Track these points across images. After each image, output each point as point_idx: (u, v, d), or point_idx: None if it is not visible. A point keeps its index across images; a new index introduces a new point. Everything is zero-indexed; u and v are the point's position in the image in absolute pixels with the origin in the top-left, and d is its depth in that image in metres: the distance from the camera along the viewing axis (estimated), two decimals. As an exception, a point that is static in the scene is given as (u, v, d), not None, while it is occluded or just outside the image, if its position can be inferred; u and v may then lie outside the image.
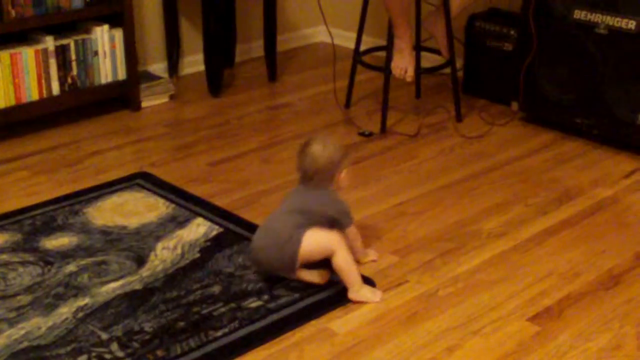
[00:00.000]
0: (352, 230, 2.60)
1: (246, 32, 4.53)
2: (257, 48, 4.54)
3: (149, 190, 3.16)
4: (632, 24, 3.34)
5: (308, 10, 4.58)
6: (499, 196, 3.16)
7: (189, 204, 3.06)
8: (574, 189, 3.22)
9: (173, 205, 3.04)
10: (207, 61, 4.11)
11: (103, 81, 3.79)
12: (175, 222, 2.92)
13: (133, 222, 2.92)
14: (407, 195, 3.16)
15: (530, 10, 3.59)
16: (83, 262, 2.66)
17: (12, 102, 3.54)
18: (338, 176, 2.56)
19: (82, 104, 3.78)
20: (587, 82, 3.52)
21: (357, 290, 2.50)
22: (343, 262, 2.48)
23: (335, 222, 2.55)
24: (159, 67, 4.27)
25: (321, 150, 2.51)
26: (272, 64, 4.32)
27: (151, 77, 4.06)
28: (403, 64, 3.65)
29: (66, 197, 3.09)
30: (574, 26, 3.50)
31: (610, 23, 3.39)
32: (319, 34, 4.84)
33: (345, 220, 2.58)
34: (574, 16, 3.49)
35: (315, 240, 2.48)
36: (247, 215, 2.99)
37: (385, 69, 3.67)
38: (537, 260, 2.73)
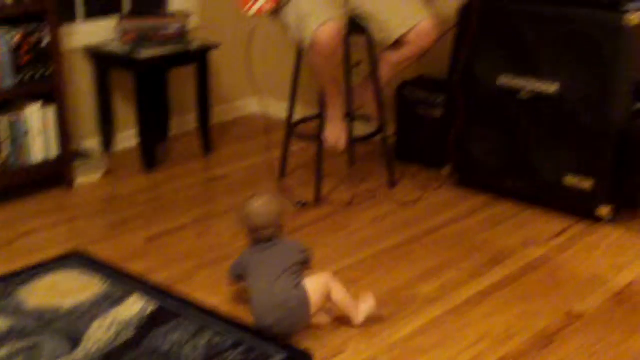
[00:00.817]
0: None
1: (180, 105, 4.56)
2: (191, 121, 4.56)
3: (83, 268, 3.13)
4: (552, 88, 3.45)
5: (243, 82, 4.63)
6: (432, 261, 3.21)
7: (125, 280, 3.04)
8: (506, 251, 3.28)
9: (108, 283, 3.02)
10: (141, 135, 4.12)
11: (35, 160, 3.77)
12: (110, 301, 2.90)
13: (67, 302, 2.88)
14: (341, 264, 3.18)
15: (456, 77, 3.70)
16: (16, 346, 2.62)
17: (-57, 184, 3.51)
18: (280, 219, 2.79)
19: (14, 184, 3.75)
20: (514, 146, 3.62)
21: (358, 314, 2.71)
22: (341, 294, 2.71)
23: (305, 262, 2.77)
24: (92, 143, 4.27)
25: (267, 205, 2.77)
26: (207, 136, 4.35)
27: (84, 154, 4.05)
28: (335, 133, 3.71)
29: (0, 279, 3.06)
30: (498, 92, 3.61)
31: (532, 88, 3.50)
32: (255, 105, 4.88)
33: (310, 256, 2.80)
34: (498, 82, 3.60)
35: (317, 290, 2.66)
36: (184, 289, 2.98)
37: (318, 139, 3.73)
38: (472, 323, 2.77)
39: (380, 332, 2.71)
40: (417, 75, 4.18)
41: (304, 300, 2.62)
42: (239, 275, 2.80)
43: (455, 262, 3.19)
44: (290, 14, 3.49)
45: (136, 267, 3.15)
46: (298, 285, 2.63)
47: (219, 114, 4.74)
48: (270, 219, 2.74)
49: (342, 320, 2.76)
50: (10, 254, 3.28)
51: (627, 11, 3.27)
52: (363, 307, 2.73)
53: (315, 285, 2.66)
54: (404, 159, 4.18)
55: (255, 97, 4.80)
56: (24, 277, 3.06)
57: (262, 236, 2.74)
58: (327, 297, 2.69)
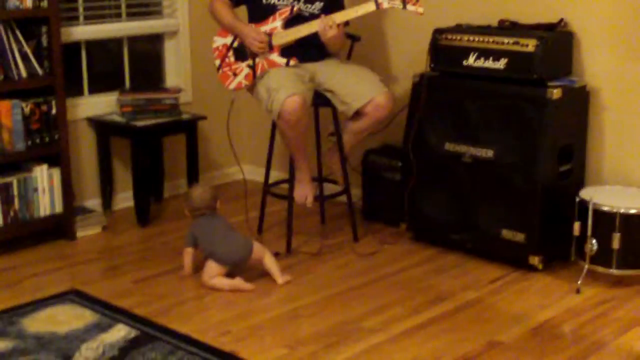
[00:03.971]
0: None
1: (174, 170, 5.11)
2: (183, 185, 5.09)
3: (78, 303, 3.64)
4: (490, 153, 3.98)
5: (230, 151, 5.17)
6: (381, 300, 3.69)
7: (113, 313, 3.54)
8: (446, 293, 3.77)
9: (98, 315, 3.52)
10: (136, 195, 4.67)
11: (42, 214, 4.31)
12: (99, 328, 3.40)
13: (62, 329, 3.38)
14: (301, 302, 3.68)
15: (409, 143, 4.23)
16: (18, 360, 3.13)
17: (-40, 233, 4.04)
18: (217, 203, 3.96)
19: (23, 234, 4.28)
20: (460, 203, 4.13)
21: (279, 275, 3.87)
22: (270, 260, 3.90)
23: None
24: (94, 202, 4.81)
25: (204, 190, 3.97)
26: (196, 197, 4.88)
27: (86, 211, 4.59)
28: (303, 192, 4.23)
29: (4, 312, 3.56)
30: (445, 156, 4.14)
31: (473, 152, 4.04)
32: (243, 172, 5.41)
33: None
34: (445, 147, 4.14)
35: (258, 247, 3.90)
36: (162, 321, 3.48)
37: (288, 197, 4.26)
38: (405, 348, 3.25)
39: (325, 355, 3.19)
40: (382, 143, 4.72)
41: (251, 246, 3.86)
42: (193, 242, 3.90)
43: (400, 302, 3.68)
44: (262, 88, 4.06)
45: (123, 303, 3.66)
46: (247, 240, 3.89)
47: (210, 179, 5.25)
48: (206, 200, 3.90)
49: (292, 346, 3.25)
50: (16, 292, 3.80)
51: (550, 87, 3.82)
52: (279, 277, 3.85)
53: (257, 245, 3.89)
54: (370, 218, 4.69)
55: (243, 165, 5.35)
56: (26, 310, 3.58)
57: (200, 213, 3.90)
58: (261, 258, 3.87)
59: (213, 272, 3.82)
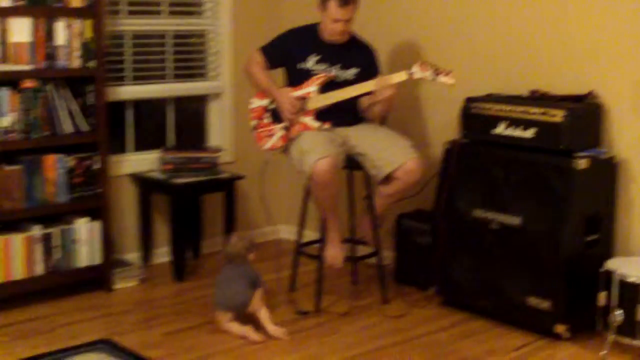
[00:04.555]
0: (261, 291, 4.11)
1: (212, 227, 5.23)
2: (220, 242, 5.20)
3: (108, 353, 3.76)
4: (516, 220, 4.03)
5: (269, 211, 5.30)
6: (404, 363, 3.75)
7: (140, 363, 3.66)
8: (470, 358, 3.80)
9: (126, 364, 3.64)
10: (173, 251, 4.80)
11: (81, 265, 4.46)
12: (126, 376, 3.51)
13: (91, 375, 3.51)
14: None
15: (439, 209, 4.31)
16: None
17: (2, 279, 4.19)
18: (249, 255, 4.15)
19: (62, 283, 4.43)
20: (487, 270, 4.17)
21: (270, 329, 4.00)
22: (265, 315, 4.05)
23: (256, 283, 4.10)
24: (133, 255, 4.95)
25: (237, 241, 4.17)
26: (232, 255, 5.00)
27: (124, 263, 4.73)
28: (334, 253, 4.32)
29: (34, 358, 3.68)
30: (474, 223, 4.20)
31: (501, 220, 4.09)
32: (278, 232, 5.53)
33: (261, 282, 4.13)
34: (474, 214, 4.20)
35: (256, 300, 4.06)
36: (187, 372, 3.58)
37: (319, 257, 4.35)
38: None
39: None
40: (415, 208, 4.79)
41: (248, 299, 4.03)
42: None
43: (422, 365, 3.73)
44: (295, 150, 4.20)
45: (152, 354, 3.77)
46: (247, 291, 4.05)
47: (247, 237, 5.39)
48: (237, 248, 4.14)
49: None
50: (51, 339, 3.93)
51: (577, 157, 3.88)
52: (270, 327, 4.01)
53: (256, 299, 4.05)
54: (402, 281, 4.75)
55: (281, 225, 5.48)
56: (57, 357, 3.71)
57: (230, 260, 4.15)
58: (258, 310, 4.04)
59: (219, 316, 4.05)
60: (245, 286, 4.07)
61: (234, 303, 4.04)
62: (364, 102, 4.34)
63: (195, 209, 5.09)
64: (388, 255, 4.73)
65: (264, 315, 4.06)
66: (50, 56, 4.27)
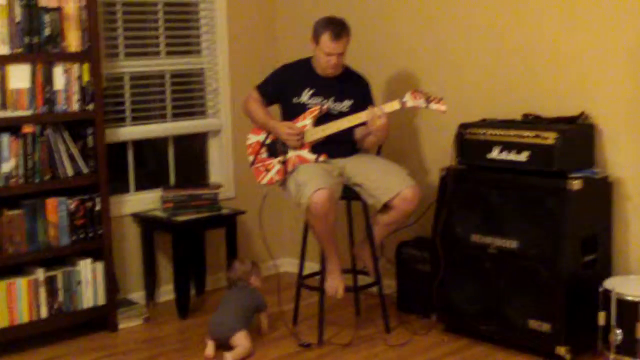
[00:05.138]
0: (266, 313, 4.45)
1: (216, 263, 5.27)
2: (225, 278, 5.23)
3: (112, 392, 3.80)
4: (514, 244, 4.05)
5: (271, 245, 5.31)
6: (406, 390, 3.76)
7: (143, 401, 3.68)
8: (473, 383, 3.81)
9: (129, 402, 3.66)
10: (177, 289, 4.84)
11: (85, 306, 4.49)
12: (129, 415, 3.53)
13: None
14: (327, 390, 3.77)
15: (437, 235, 4.33)
16: None
17: (7, 324, 4.23)
18: (251, 279, 4.40)
19: (66, 325, 4.47)
20: (487, 294, 4.19)
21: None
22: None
23: (260, 306, 4.37)
24: (138, 295, 4.98)
25: (242, 263, 4.45)
26: (236, 291, 5.03)
27: (129, 303, 4.77)
28: (334, 284, 4.34)
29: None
30: (472, 247, 4.22)
31: (498, 244, 4.11)
32: (281, 265, 5.55)
33: (264, 305, 4.44)
34: (471, 239, 4.22)
35: (244, 342, 4.18)
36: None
37: (319, 289, 4.37)
38: None
39: None
40: (415, 236, 4.81)
41: (232, 330, 4.16)
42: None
43: (425, 392, 3.73)
44: (292, 183, 4.24)
45: (156, 391, 3.80)
46: (238, 326, 4.17)
47: (251, 272, 5.42)
48: (240, 272, 4.39)
49: None
50: (56, 380, 3.98)
51: (571, 178, 3.91)
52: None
53: (244, 339, 4.17)
54: (404, 309, 4.76)
55: (285, 258, 5.50)
56: (62, 397, 3.74)
57: (232, 283, 4.41)
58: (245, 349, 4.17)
59: (206, 341, 4.27)
60: (235, 316, 4.21)
61: (218, 331, 4.19)
62: (359, 132, 4.39)
63: (197, 245, 5.13)
64: (390, 284, 4.75)
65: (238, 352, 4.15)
66: (49, 101, 4.34)
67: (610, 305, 3.76)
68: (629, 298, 3.73)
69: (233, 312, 4.21)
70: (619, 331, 3.75)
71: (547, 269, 3.95)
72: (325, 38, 4.28)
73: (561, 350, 3.94)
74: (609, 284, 3.84)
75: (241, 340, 4.15)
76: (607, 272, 4.09)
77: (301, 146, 4.34)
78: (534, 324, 4.01)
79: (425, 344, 4.31)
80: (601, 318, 3.82)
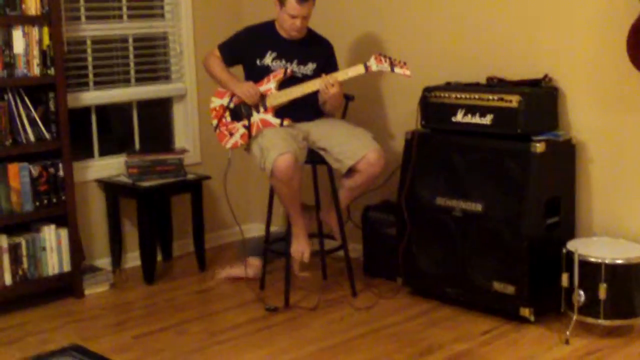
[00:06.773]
0: None
1: (182, 229, 5.24)
2: (191, 244, 5.20)
3: (77, 359, 3.77)
4: (479, 207, 4.07)
5: (238, 210, 5.29)
6: (371, 353, 3.78)
7: (109, 367, 3.68)
8: (437, 345, 3.84)
9: (95, 369, 3.66)
10: (142, 255, 4.82)
11: (50, 273, 4.46)
12: (94, 381, 3.53)
13: (59, 382, 3.53)
14: (293, 355, 3.78)
15: (402, 199, 4.34)
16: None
17: (-31, 291, 4.21)
18: None
19: (32, 292, 4.44)
20: (452, 257, 4.21)
21: None
22: None
23: None
24: (104, 261, 4.96)
25: None
26: (202, 257, 5.01)
27: (94, 269, 4.74)
28: (300, 248, 4.34)
29: (7, 365, 3.71)
30: (437, 210, 4.23)
31: (463, 207, 4.13)
32: (249, 230, 5.54)
33: None
34: (437, 202, 4.23)
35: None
36: (156, 374, 3.61)
37: (285, 254, 4.37)
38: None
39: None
40: (382, 200, 4.82)
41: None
42: None
43: (390, 354, 3.75)
44: (256, 147, 4.22)
45: (122, 358, 3.79)
46: None
47: (216, 238, 5.41)
48: None
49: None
50: (21, 347, 3.95)
51: (534, 141, 3.92)
52: None
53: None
54: (371, 273, 4.78)
55: (252, 223, 5.49)
56: (28, 364, 3.72)
57: None
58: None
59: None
60: None
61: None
62: (320, 98, 4.37)
63: (163, 211, 5.10)
64: (356, 248, 4.77)
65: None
66: (9, 65, 4.27)
67: (574, 266, 3.80)
68: (592, 259, 3.76)
69: None
70: (582, 292, 3.79)
71: (511, 232, 3.97)
72: (292, 0, 4.24)
73: (525, 311, 3.98)
74: (572, 245, 3.88)
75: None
76: (571, 234, 4.12)
77: (265, 110, 4.31)
78: (498, 286, 4.04)
79: (391, 307, 4.33)
80: (564, 279, 3.85)
